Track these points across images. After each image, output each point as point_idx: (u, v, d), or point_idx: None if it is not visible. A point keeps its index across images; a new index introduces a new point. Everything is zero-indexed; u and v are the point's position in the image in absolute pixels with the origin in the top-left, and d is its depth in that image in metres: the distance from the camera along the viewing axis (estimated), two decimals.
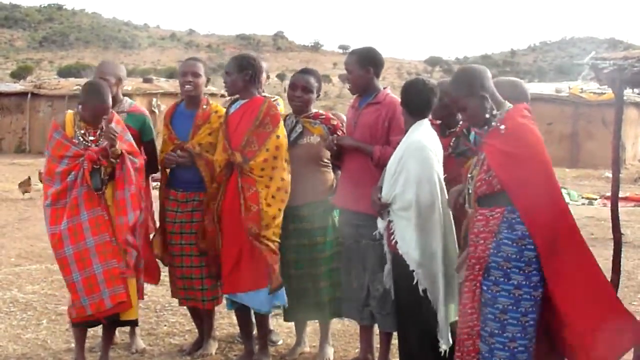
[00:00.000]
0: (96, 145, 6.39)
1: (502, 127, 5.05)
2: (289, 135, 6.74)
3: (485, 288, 4.99)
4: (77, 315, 6.42)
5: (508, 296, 4.91)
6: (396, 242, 5.85)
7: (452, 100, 5.42)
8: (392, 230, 5.89)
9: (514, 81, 6.15)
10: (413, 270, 5.75)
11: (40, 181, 17.87)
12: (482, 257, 5.03)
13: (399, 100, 6.15)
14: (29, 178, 18.10)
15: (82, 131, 6.43)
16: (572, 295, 4.91)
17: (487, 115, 5.11)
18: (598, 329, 4.89)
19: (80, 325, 6.56)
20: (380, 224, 6.04)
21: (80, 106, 6.47)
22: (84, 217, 6.29)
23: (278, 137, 6.60)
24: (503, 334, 4.91)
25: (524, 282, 4.89)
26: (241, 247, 6.56)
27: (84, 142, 6.39)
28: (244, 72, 6.71)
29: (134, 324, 6.79)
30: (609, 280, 5.65)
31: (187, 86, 6.93)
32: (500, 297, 4.92)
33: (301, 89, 6.82)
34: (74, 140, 6.39)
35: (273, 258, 6.49)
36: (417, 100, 5.93)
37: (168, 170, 7.06)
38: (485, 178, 5.09)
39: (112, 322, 6.58)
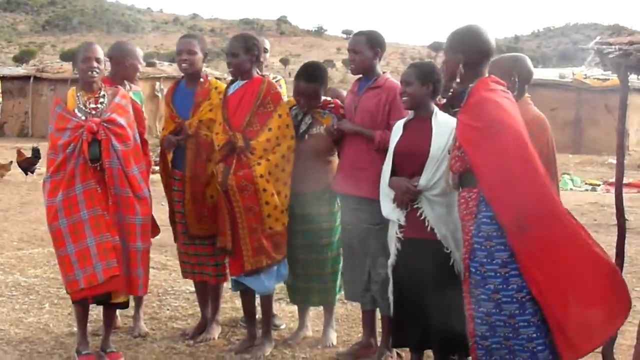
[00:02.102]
0: (96, 113, 6.39)
1: (465, 101, 5.07)
2: (298, 127, 6.70)
3: (473, 270, 4.96)
4: (71, 289, 6.39)
5: (495, 276, 4.86)
6: (431, 229, 5.77)
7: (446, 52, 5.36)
8: (423, 217, 5.81)
9: (516, 55, 6.13)
10: (445, 254, 5.70)
11: (18, 163, 17.88)
12: (466, 239, 5.02)
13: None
14: (11, 162, 18.08)
15: (84, 99, 6.44)
16: (546, 278, 4.80)
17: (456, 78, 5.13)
18: (575, 314, 4.80)
19: (81, 303, 6.53)
20: (399, 213, 5.94)
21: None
22: (79, 190, 6.26)
23: (280, 116, 6.58)
24: (501, 312, 4.87)
25: (508, 259, 4.82)
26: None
27: (85, 109, 6.39)
28: (250, 53, 6.67)
29: (123, 306, 6.75)
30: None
31: (183, 64, 6.95)
32: (489, 278, 4.88)
33: (305, 96, 6.70)
34: (74, 112, 6.38)
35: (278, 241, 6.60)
36: (441, 83, 5.92)
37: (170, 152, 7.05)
38: (458, 154, 5.07)
39: (100, 303, 6.57)
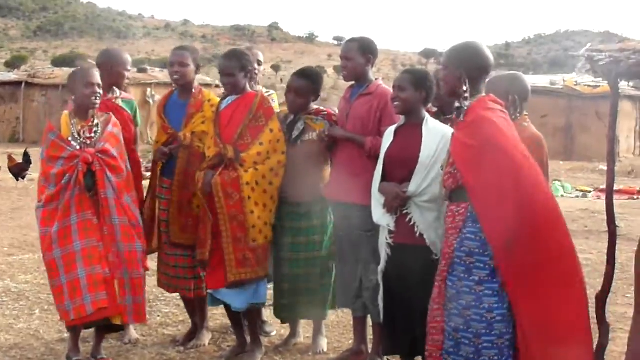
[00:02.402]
0: (90, 143, 6.38)
1: (462, 118, 5.05)
2: (290, 133, 6.70)
3: (450, 284, 4.96)
4: (62, 318, 6.43)
5: (470, 292, 4.85)
6: (420, 235, 5.76)
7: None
8: (412, 223, 5.80)
9: (513, 74, 6.15)
10: (434, 260, 5.59)
11: (9, 169, 17.78)
12: (447, 252, 5.01)
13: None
14: None
15: (78, 128, 6.41)
16: (527, 306, 4.78)
17: (459, 93, 5.10)
18: (546, 341, 4.78)
19: (73, 330, 6.55)
20: (389, 219, 5.92)
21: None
22: (74, 220, 6.27)
23: (271, 130, 6.58)
24: (468, 330, 4.85)
25: (486, 278, 4.82)
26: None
27: (80, 139, 6.38)
28: (244, 71, 6.69)
29: (120, 329, 6.83)
30: (605, 272, 5.61)
31: (174, 76, 6.95)
32: (464, 294, 4.87)
33: (294, 93, 6.75)
34: (69, 141, 6.36)
35: (260, 255, 6.58)
36: (434, 90, 5.94)
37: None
38: (451, 171, 5.07)
39: (102, 327, 6.61)
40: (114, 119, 6.65)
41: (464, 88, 5.09)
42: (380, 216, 5.97)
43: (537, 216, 4.79)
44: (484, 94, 5.14)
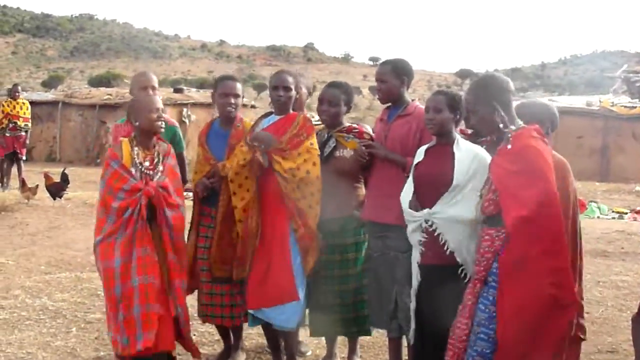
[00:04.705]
0: (152, 173, 6.37)
1: (509, 146, 5.01)
2: (322, 150, 6.74)
3: (482, 307, 4.93)
4: (115, 348, 6.32)
5: None
6: (451, 253, 5.70)
7: (466, 104, 5.42)
8: (443, 242, 5.72)
9: (545, 104, 6.15)
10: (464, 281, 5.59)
11: (46, 187, 17.83)
12: (482, 275, 4.99)
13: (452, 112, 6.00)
14: (37, 185, 18.03)
15: (141, 158, 6.37)
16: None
17: (499, 126, 5.10)
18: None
19: None
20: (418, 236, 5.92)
21: (136, 123, 6.42)
22: (134, 255, 6.17)
23: (312, 144, 6.61)
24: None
25: None
26: (270, 261, 6.53)
27: (141, 168, 6.33)
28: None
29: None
30: None
31: (228, 108, 6.95)
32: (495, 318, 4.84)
33: (327, 102, 6.82)
34: (131, 172, 6.30)
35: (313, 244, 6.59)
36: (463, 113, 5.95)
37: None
38: (493, 198, 5.03)
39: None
40: (171, 149, 6.63)
41: (501, 118, 5.10)
42: (410, 233, 5.97)
43: (562, 247, 4.80)
44: (522, 123, 5.12)
